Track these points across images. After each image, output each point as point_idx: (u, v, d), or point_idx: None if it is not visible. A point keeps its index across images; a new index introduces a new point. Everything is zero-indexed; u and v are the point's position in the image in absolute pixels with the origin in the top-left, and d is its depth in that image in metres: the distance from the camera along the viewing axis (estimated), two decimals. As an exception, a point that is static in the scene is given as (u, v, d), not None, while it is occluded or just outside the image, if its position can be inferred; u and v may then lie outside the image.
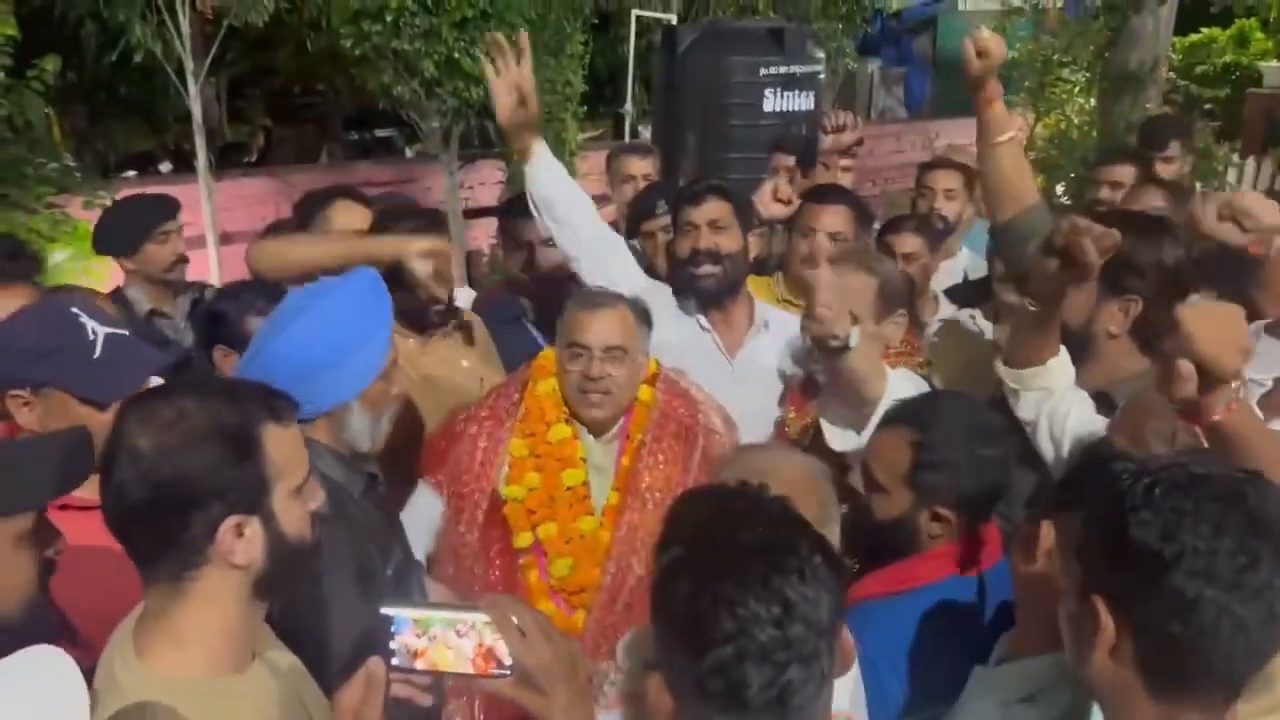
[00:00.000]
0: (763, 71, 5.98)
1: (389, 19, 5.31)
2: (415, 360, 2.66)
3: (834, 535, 1.55)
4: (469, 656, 1.14)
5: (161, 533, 1.20)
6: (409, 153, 10.02)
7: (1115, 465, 1.11)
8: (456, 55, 5.44)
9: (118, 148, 9.18)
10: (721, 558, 1.01)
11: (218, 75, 13.82)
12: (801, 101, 6.10)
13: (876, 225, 3.33)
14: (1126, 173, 3.64)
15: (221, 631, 1.25)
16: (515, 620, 1.11)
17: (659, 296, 2.77)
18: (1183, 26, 11.27)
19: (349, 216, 2.85)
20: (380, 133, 10.72)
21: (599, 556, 2.17)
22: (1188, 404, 1.43)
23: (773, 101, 6.04)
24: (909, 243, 3.15)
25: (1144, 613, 1.01)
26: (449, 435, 2.30)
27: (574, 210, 2.69)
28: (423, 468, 2.31)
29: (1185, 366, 1.40)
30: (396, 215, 2.71)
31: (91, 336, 1.76)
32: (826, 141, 3.50)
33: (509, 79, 2.52)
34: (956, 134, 8.47)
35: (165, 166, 10.25)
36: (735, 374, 2.74)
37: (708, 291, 2.71)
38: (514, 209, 3.10)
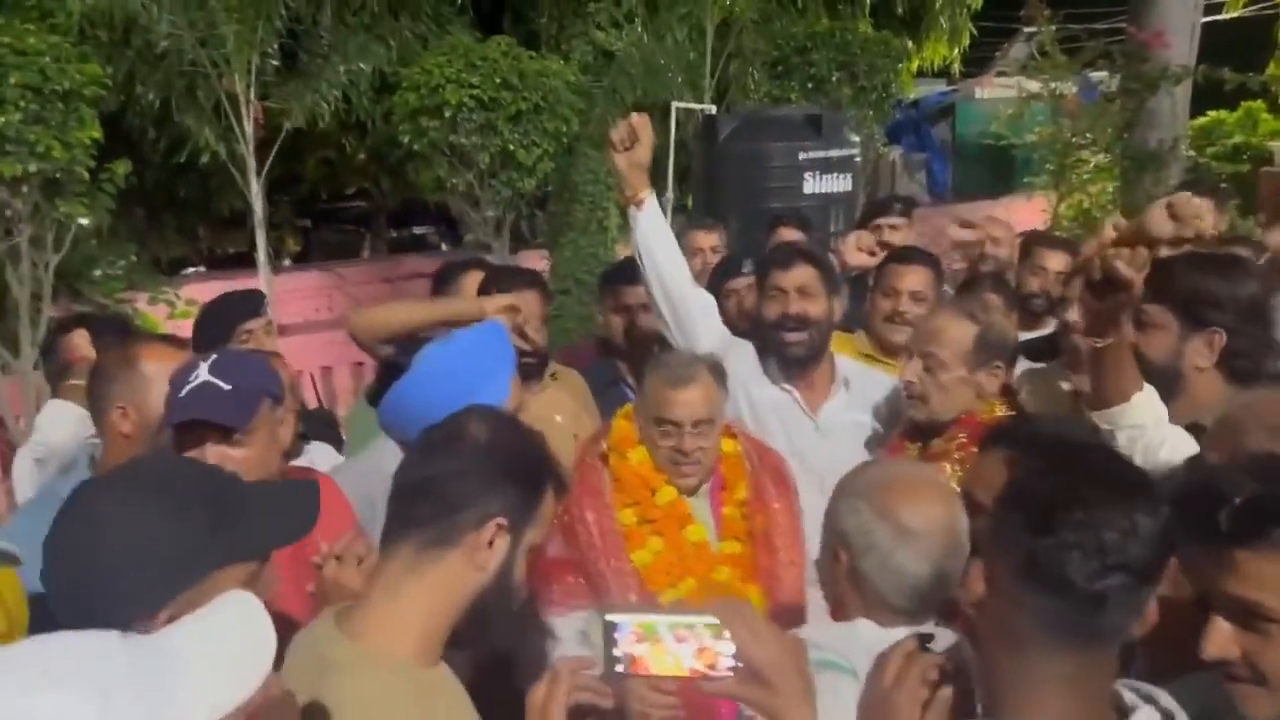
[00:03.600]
0: (801, 156, 6.22)
1: (447, 114, 5.55)
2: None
3: None
4: (689, 660, 1.17)
5: (443, 502, 1.33)
6: (444, 248, 10.28)
7: None
8: (511, 147, 5.66)
9: (170, 249, 9.46)
10: (1091, 476, 1.14)
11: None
12: (840, 184, 6.32)
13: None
14: None
15: (436, 621, 1.33)
16: (743, 619, 1.15)
17: (742, 353, 2.85)
18: (1193, 110, 11.57)
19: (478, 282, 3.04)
20: (417, 230, 11.03)
21: None
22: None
23: (812, 184, 6.26)
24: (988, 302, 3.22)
25: None
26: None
27: (672, 262, 2.79)
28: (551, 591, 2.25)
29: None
30: (498, 276, 2.86)
31: (192, 380, 1.88)
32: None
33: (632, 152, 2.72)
34: (977, 216, 8.65)
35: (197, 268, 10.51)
36: (820, 429, 2.79)
37: (795, 358, 2.76)
38: (618, 274, 3.23)
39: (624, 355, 3.18)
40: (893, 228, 4.03)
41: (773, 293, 2.76)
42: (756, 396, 2.80)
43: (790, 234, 4.11)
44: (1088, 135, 8.81)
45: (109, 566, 1.17)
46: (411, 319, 2.57)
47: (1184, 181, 5.88)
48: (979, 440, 1.89)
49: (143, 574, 1.17)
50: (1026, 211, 10.67)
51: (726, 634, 1.17)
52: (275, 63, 6.13)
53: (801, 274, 2.74)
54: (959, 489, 1.90)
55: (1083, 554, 1.08)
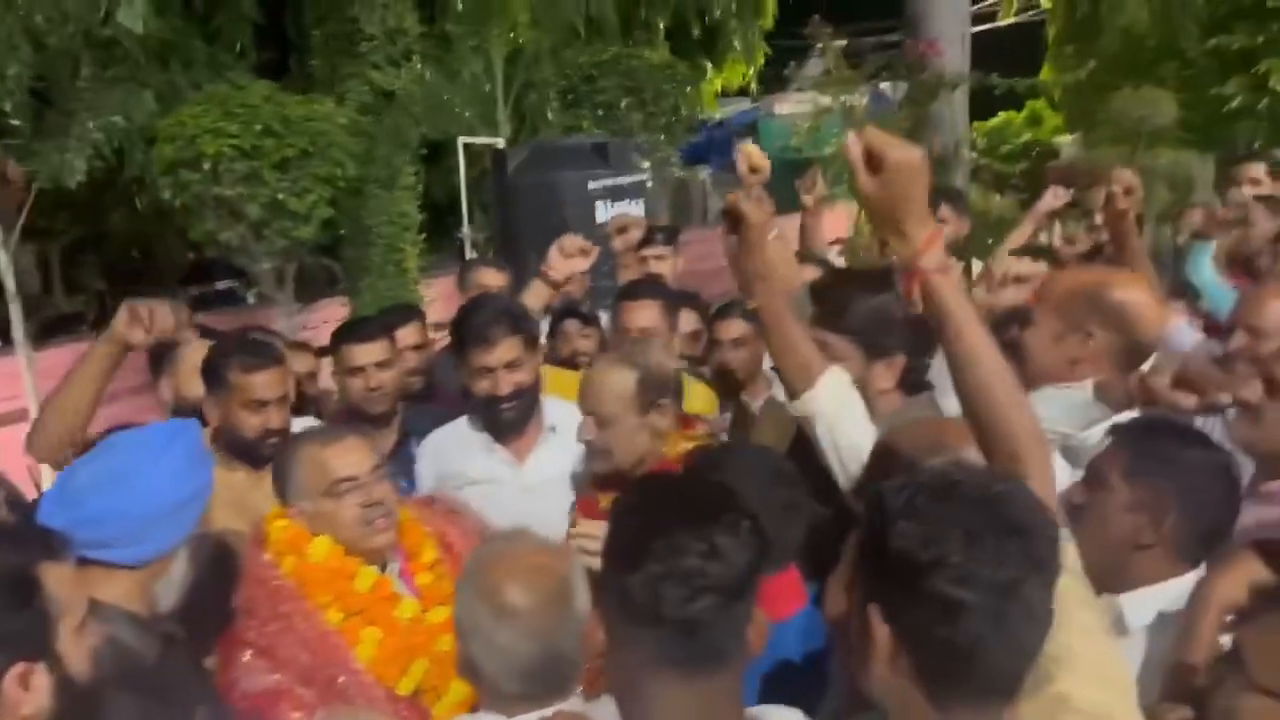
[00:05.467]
0: (591, 185, 6.21)
1: (206, 166, 5.26)
2: (246, 495, 2.52)
3: None
4: None
5: None
6: (250, 299, 9.83)
7: (886, 481, 1.13)
8: (280, 196, 5.42)
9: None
10: (671, 506, 1.19)
11: (48, 245, 13.39)
12: (632, 209, 6.33)
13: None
14: None
15: None
16: None
17: (437, 448, 2.76)
18: (983, 113, 12.24)
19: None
20: (221, 285, 10.52)
21: None
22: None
23: (605, 211, 6.24)
24: (735, 328, 3.20)
25: (913, 620, 1.03)
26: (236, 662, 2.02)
27: None
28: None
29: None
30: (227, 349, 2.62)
31: None
32: (617, 244, 3.60)
33: None
34: (788, 228, 8.88)
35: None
36: (523, 482, 2.68)
37: (509, 422, 2.66)
38: (346, 332, 3.02)
39: (366, 418, 2.94)
40: (658, 258, 4.00)
41: (481, 372, 2.61)
42: (469, 462, 2.69)
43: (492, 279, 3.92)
44: (878, 144, 9.17)
45: None
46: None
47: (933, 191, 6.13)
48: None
49: None
50: (831, 220, 11.02)
51: None
52: (16, 123, 5.68)
53: (505, 349, 2.59)
54: None
55: (669, 583, 1.11)
